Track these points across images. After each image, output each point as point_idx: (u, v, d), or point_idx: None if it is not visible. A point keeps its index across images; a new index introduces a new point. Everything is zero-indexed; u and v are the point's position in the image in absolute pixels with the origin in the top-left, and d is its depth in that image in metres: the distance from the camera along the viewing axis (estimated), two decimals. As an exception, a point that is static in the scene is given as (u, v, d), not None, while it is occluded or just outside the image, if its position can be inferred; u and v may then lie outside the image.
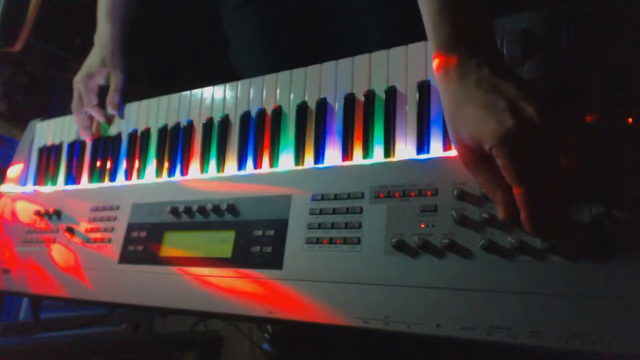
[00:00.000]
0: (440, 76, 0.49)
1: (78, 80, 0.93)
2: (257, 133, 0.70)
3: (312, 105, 0.66)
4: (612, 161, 0.44)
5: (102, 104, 0.91)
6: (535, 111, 0.42)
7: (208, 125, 0.75)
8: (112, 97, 0.89)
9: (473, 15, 0.48)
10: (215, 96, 0.77)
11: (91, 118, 0.92)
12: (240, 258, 0.61)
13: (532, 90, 0.44)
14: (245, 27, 0.95)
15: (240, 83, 0.75)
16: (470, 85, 0.46)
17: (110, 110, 0.88)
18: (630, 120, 0.44)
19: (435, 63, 0.49)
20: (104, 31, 0.93)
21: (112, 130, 0.89)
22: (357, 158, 0.60)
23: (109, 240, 0.74)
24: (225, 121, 0.74)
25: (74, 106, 0.93)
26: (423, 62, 0.59)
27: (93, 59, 0.93)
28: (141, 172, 0.81)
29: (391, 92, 0.60)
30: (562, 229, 0.44)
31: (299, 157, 0.64)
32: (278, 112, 0.69)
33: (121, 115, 0.88)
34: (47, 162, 0.95)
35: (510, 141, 0.42)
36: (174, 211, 0.69)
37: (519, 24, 0.53)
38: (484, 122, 0.43)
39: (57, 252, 0.79)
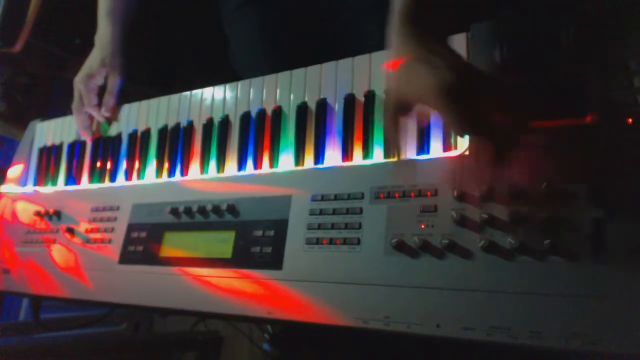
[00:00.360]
0: (390, 35, 0.54)
1: (78, 81, 0.93)
2: (257, 133, 0.70)
3: (312, 105, 0.66)
4: (612, 161, 0.44)
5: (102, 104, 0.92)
6: (472, 70, 0.47)
7: (208, 125, 0.75)
8: (107, 100, 0.89)
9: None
10: (215, 96, 0.77)
11: (91, 118, 0.92)
12: (240, 258, 0.61)
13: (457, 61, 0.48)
14: (245, 27, 0.95)
15: (240, 83, 0.75)
16: (412, 48, 0.50)
17: (104, 112, 0.88)
18: (630, 120, 0.44)
19: (390, 20, 0.54)
20: (104, 32, 0.93)
21: (112, 131, 0.89)
22: (357, 158, 0.60)
23: (109, 241, 0.74)
24: (225, 121, 0.74)
25: (75, 106, 0.93)
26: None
27: (93, 59, 0.93)
28: (141, 173, 0.81)
29: (391, 92, 0.60)
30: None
31: (299, 158, 0.64)
32: (278, 112, 0.69)
33: (115, 118, 0.88)
34: (47, 163, 0.95)
35: (445, 94, 0.45)
36: (174, 211, 0.69)
37: (519, 24, 0.53)
38: (422, 78, 0.47)
39: (57, 252, 0.79)
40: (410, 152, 0.57)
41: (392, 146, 0.55)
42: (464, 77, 0.45)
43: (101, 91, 0.93)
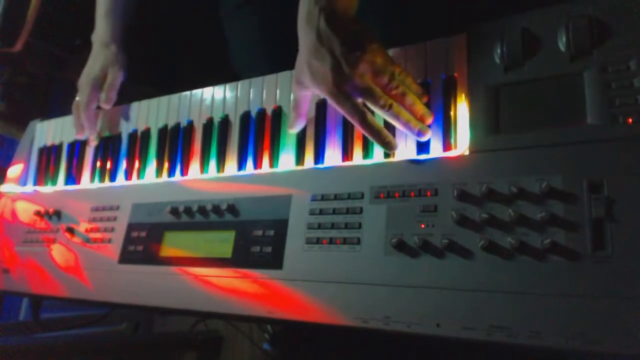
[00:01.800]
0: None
1: (83, 82, 0.93)
2: (257, 133, 0.70)
3: (312, 105, 0.66)
4: (612, 161, 0.44)
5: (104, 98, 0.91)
6: (351, 70, 0.55)
7: (208, 125, 0.75)
8: (107, 92, 0.88)
9: None
10: (215, 96, 0.77)
11: (92, 120, 0.91)
12: (240, 258, 0.61)
13: (356, 45, 0.56)
14: (245, 27, 0.95)
15: (240, 83, 0.75)
16: (309, 31, 0.58)
17: (104, 105, 0.88)
18: (630, 120, 0.44)
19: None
20: (104, 31, 0.93)
21: (112, 131, 0.89)
22: (357, 158, 0.60)
23: (109, 240, 0.74)
24: (225, 121, 0.74)
25: (75, 107, 0.93)
26: (422, 63, 0.59)
27: (96, 60, 0.93)
28: (141, 172, 0.81)
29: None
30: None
31: (299, 157, 0.65)
32: (278, 112, 0.69)
33: (113, 119, 0.88)
34: (47, 162, 0.95)
35: (334, 93, 0.56)
36: (174, 211, 0.69)
37: (519, 24, 0.53)
38: (308, 67, 0.59)
39: (57, 252, 0.79)
40: (410, 152, 0.57)
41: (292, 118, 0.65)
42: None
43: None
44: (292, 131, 0.65)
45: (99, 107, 0.91)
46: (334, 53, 0.56)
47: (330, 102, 0.58)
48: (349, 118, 0.58)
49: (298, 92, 0.64)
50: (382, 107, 0.55)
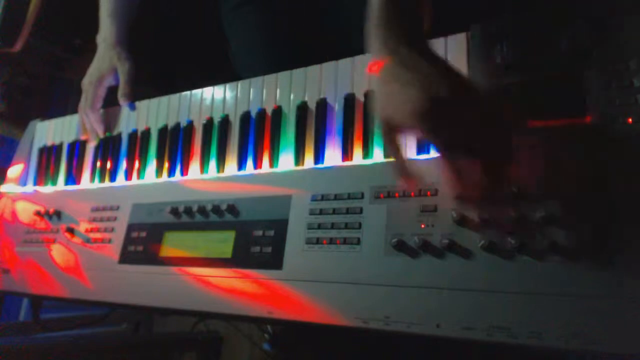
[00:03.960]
0: (369, 50, 0.52)
1: (87, 83, 0.93)
2: (257, 133, 0.70)
3: (312, 105, 0.66)
4: (612, 161, 0.44)
5: (107, 105, 0.92)
6: (448, 90, 0.44)
7: (208, 125, 0.75)
8: (124, 89, 0.88)
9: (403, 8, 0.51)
10: (215, 96, 0.77)
11: (97, 121, 0.91)
12: (240, 258, 0.61)
13: (448, 71, 0.47)
14: (245, 27, 0.95)
15: (240, 83, 0.75)
16: (391, 65, 0.49)
17: (123, 102, 0.88)
18: (630, 120, 0.44)
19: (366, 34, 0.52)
20: (109, 32, 0.93)
21: (113, 131, 0.89)
22: (357, 158, 0.60)
23: (109, 241, 0.74)
24: (225, 121, 0.74)
25: (81, 108, 0.93)
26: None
27: (102, 61, 0.93)
28: (141, 172, 0.81)
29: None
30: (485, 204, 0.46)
31: (299, 157, 0.64)
32: (278, 112, 0.69)
33: (132, 107, 0.87)
34: (47, 162, 0.95)
35: (426, 119, 0.45)
36: (174, 211, 0.69)
37: (519, 24, 0.53)
38: (402, 101, 0.46)
39: (57, 252, 0.79)
40: (410, 152, 0.57)
41: (395, 163, 0.52)
42: (439, 99, 0.44)
43: (110, 92, 0.93)
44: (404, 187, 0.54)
45: (102, 107, 0.91)
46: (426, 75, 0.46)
47: (418, 130, 0.47)
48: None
49: (387, 136, 0.51)
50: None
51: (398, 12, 0.51)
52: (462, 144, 0.45)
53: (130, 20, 0.96)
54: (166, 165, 0.78)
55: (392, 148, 0.50)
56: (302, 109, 0.67)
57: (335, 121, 0.64)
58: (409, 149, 0.57)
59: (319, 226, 0.56)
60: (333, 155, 0.62)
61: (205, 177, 0.72)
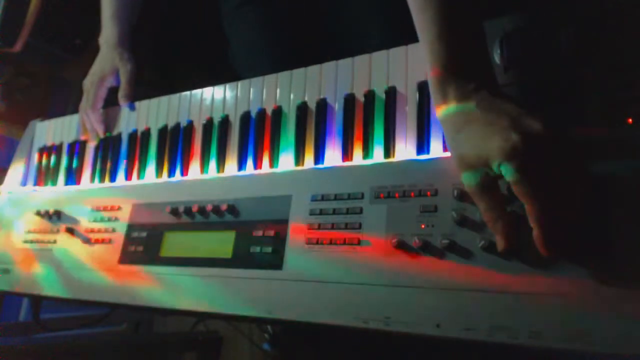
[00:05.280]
0: (437, 98, 0.49)
1: (89, 83, 0.93)
2: (257, 133, 0.70)
3: (312, 105, 0.66)
4: (612, 161, 0.44)
5: (107, 105, 0.92)
6: (540, 125, 0.42)
7: (208, 125, 0.75)
8: (125, 90, 0.89)
9: (471, 41, 0.48)
10: (215, 96, 0.77)
11: (97, 122, 0.91)
12: (240, 258, 0.61)
13: (532, 109, 0.44)
14: (245, 27, 0.95)
15: (240, 83, 0.75)
16: (469, 108, 0.46)
17: (123, 103, 0.88)
18: (630, 120, 0.44)
19: (432, 83, 0.49)
20: (111, 33, 0.94)
21: (112, 130, 0.89)
22: (357, 158, 0.60)
23: (109, 241, 0.74)
24: (225, 121, 0.74)
25: (82, 109, 0.93)
26: (423, 62, 0.59)
27: (104, 62, 0.93)
28: (141, 172, 0.81)
29: (391, 93, 0.60)
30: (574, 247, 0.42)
31: (299, 158, 0.64)
32: (278, 112, 0.69)
33: (132, 107, 0.88)
34: (47, 163, 0.95)
35: (519, 155, 0.41)
36: (174, 211, 0.69)
37: (518, 25, 0.53)
38: (489, 140, 0.43)
39: (57, 252, 0.79)
40: (410, 152, 0.57)
41: (499, 234, 0.45)
42: (534, 137, 0.41)
43: (111, 93, 0.93)
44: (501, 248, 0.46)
45: (103, 108, 0.91)
46: (511, 114, 0.44)
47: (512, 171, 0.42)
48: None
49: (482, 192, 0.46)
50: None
51: (465, 56, 0.48)
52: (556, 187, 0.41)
53: (132, 22, 0.97)
54: (166, 165, 0.78)
55: (496, 209, 0.45)
56: (302, 109, 0.67)
57: (335, 121, 0.64)
58: (409, 149, 0.57)
59: (319, 226, 0.56)
60: (333, 156, 0.62)
61: (205, 177, 0.72)
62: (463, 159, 0.46)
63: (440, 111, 0.49)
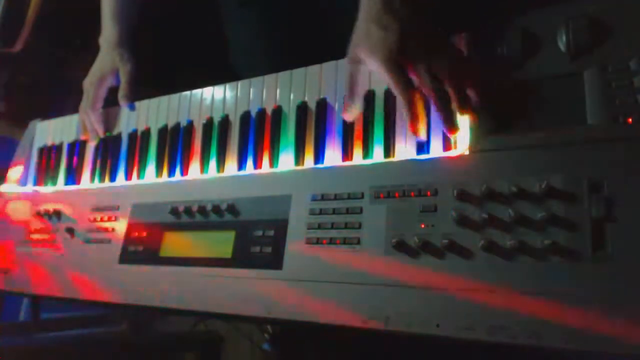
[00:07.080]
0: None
1: (89, 83, 0.93)
2: (257, 133, 0.70)
3: (312, 105, 0.66)
4: (612, 161, 0.44)
5: (107, 105, 0.92)
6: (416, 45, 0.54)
7: (208, 125, 0.75)
8: (124, 90, 0.88)
9: None
10: (215, 96, 0.77)
11: (97, 121, 0.91)
12: (240, 258, 0.61)
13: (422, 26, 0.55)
14: (245, 27, 0.95)
15: (240, 83, 0.75)
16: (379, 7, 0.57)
17: (123, 103, 0.88)
18: (630, 120, 0.44)
19: None
20: (111, 33, 0.94)
21: (112, 130, 0.89)
22: (357, 158, 0.60)
23: (109, 241, 0.74)
24: (225, 121, 0.74)
25: (82, 109, 0.93)
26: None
27: (104, 62, 0.93)
28: (141, 172, 0.81)
29: (391, 92, 0.60)
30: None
31: (299, 157, 0.64)
32: (278, 112, 0.69)
33: (132, 107, 0.87)
34: (47, 162, 0.95)
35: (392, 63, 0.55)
36: (174, 211, 0.69)
37: (519, 24, 0.53)
38: (379, 43, 0.56)
39: (57, 252, 0.79)
40: (410, 152, 0.57)
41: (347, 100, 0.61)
42: (406, 43, 0.54)
43: (111, 93, 0.93)
44: (348, 118, 0.61)
45: (103, 108, 0.91)
46: (402, 22, 0.55)
47: (383, 73, 0.56)
48: (397, 92, 0.56)
49: (352, 67, 0.61)
50: (431, 90, 0.54)
51: None
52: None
53: (132, 22, 0.96)
54: (166, 165, 0.78)
55: (351, 80, 0.61)
56: (302, 109, 0.67)
57: (335, 121, 0.64)
58: (409, 149, 0.57)
59: (319, 226, 0.56)
60: (333, 155, 0.62)
61: (205, 177, 0.72)
62: (350, 48, 0.61)
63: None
